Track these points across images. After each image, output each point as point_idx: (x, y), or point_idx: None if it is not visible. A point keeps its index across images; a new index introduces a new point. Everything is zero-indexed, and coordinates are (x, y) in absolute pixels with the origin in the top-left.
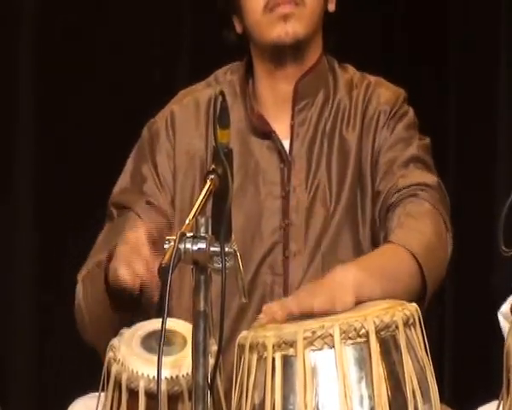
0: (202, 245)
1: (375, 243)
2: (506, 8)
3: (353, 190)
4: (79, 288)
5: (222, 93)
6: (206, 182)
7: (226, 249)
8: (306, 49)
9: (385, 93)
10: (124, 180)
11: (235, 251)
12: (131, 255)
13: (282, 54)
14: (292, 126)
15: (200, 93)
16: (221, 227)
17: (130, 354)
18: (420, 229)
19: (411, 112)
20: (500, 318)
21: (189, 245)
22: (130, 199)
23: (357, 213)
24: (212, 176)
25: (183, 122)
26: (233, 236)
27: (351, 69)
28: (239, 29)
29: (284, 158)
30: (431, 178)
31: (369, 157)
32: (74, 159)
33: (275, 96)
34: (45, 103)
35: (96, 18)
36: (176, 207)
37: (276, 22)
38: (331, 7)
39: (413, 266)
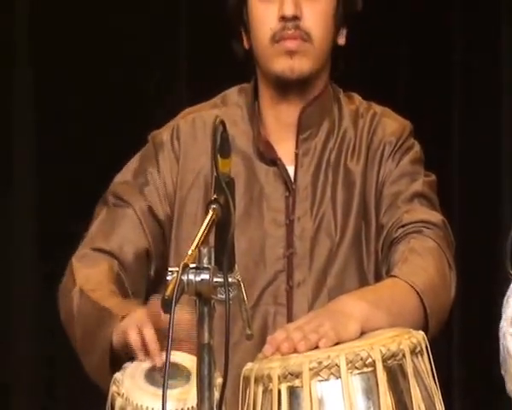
0: (205, 276)
1: (377, 277)
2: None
3: (358, 222)
4: (76, 295)
5: (222, 123)
6: (208, 212)
7: (230, 280)
8: (312, 82)
9: (391, 124)
10: (127, 174)
11: (238, 281)
12: (145, 320)
13: (286, 86)
14: (296, 155)
15: (206, 112)
16: (224, 257)
17: (134, 388)
18: (424, 266)
19: (417, 146)
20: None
21: (192, 276)
22: (131, 195)
23: (362, 245)
24: (214, 206)
25: (188, 138)
26: (236, 266)
27: (356, 98)
28: (246, 45)
29: (289, 187)
30: (436, 217)
31: (374, 189)
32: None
33: (279, 122)
34: (44, 97)
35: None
36: (173, 221)
37: (281, 56)
38: (341, 41)
39: (416, 302)
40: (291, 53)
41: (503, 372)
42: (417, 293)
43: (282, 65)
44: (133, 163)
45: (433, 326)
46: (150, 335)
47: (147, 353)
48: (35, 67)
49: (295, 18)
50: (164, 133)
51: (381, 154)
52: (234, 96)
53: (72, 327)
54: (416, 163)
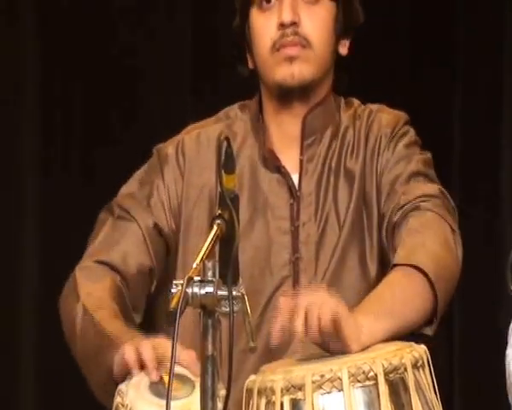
0: (210, 289)
1: (383, 267)
2: None
3: (358, 214)
4: (79, 312)
5: (227, 139)
6: (212, 227)
7: (234, 293)
8: (314, 89)
9: (386, 117)
10: (133, 185)
11: (242, 295)
12: (143, 340)
13: (289, 94)
14: (301, 162)
15: (211, 127)
16: (228, 271)
17: (138, 399)
18: (423, 242)
19: (412, 131)
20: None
21: (196, 289)
22: (137, 210)
23: (364, 238)
24: (219, 221)
25: (193, 152)
26: (240, 279)
27: (355, 102)
28: (251, 65)
29: (294, 194)
30: (432, 188)
31: (374, 181)
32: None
33: (282, 132)
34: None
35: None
36: (180, 237)
37: (281, 63)
38: (343, 51)
39: (420, 280)
40: (291, 59)
41: (510, 399)
42: (419, 270)
43: (283, 72)
44: (139, 174)
45: (442, 295)
46: (147, 351)
47: (141, 367)
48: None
49: (293, 24)
50: (169, 147)
51: (378, 147)
52: (236, 111)
53: (74, 344)
54: (410, 146)
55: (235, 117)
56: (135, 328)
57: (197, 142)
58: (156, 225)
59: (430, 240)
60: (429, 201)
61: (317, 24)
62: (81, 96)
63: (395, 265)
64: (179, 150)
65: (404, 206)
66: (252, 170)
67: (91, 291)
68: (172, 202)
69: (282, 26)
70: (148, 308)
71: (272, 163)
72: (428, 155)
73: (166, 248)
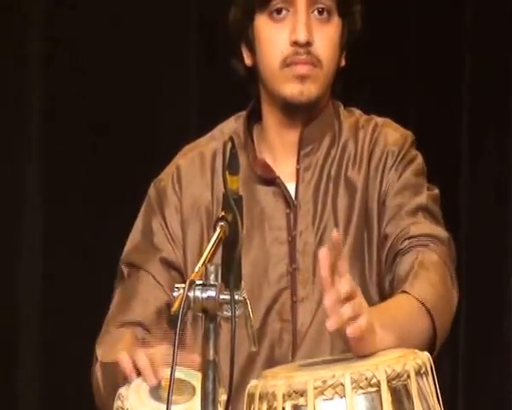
0: (212, 293)
1: (379, 285)
2: None
3: (360, 230)
4: (98, 367)
5: (232, 140)
6: (215, 229)
7: (236, 297)
8: (317, 104)
9: (393, 134)
10: (134, 237)
11: (244, 299)
12: (136, 350)
13: (293, 109)
14: (297, 170)
15: (205, 147)
16: (231, 275)
17: (138, 403)
18: (433, 283)
19: (420, 158)
20: None
21: (198, 293)
22: (143, 258)
23: (364, 254)
24: (222, 223)
25: (188, 175)
26: (243, 283)
27: (357, 111)
28: (249, 62)
29: (290, 203)
30: (442, 233)
31: (377, 198)
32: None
33: (282, 141)
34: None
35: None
36: (187, 260)
37: (291, 80)
38: (343, 62)
39: (426, 321)
40: (302, 78)
41: None
42: (428, 312)
43: (292, 89)
44: (139, 222)
45: (439, 343)
46: (141, 359)
47: (138, 373)
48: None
49: (308, 44)
50: (165, 179)
51: (384, 163)
52: (231, 125)
53: (101, 398)
54: (419, 175)
55: (230, 132)
56: None
57: (192, 165)
58: (164, 260)
59: (439, 284)
60: (437, 245)
61: (327, 43)
62: None
63: (404, 291)
64: (175, 180)
65: (412, 237)
66: (246, 183)
67: (108, 348)
68: (176, 232)
69: (295, 43)
70: None
71: (266, 176)
72: (436, 191)
73: (181, 277)
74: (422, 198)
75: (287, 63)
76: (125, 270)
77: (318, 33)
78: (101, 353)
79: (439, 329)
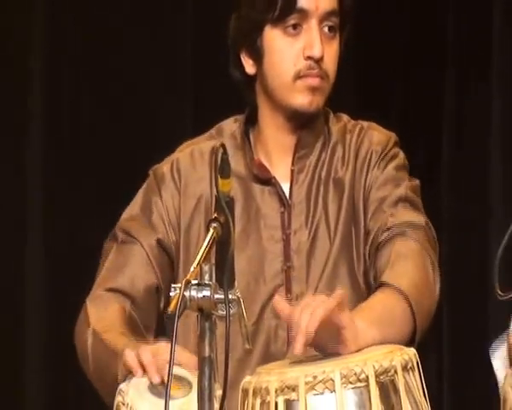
0: (207, 292)
1: (366, 280)
2: None
3: (348, 226)
4: (90, 336)
5: (223, 146)
6: (208, 230)
7: (230, 296)
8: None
9: (377, 135)
10: (133, 209)
11: (238, 298)
12: (142, 347)
13: (297, 117)
14: (292, 172)
15: (204, 144)
16: (224, 275)
17: (138, 398)
18: (408, 269)
19: (402, 154)
20: (496, 362)
21: (194, 293)
22: (139, 230)
23: (352, 249)
24: (215, 224)
25: (188, 168)
26: (236, 283)
27: (345, 117)
28: (250, 70)
29: (284, 202)
30: (419, 218)
31: (362, 194)
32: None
33: (278, 144)
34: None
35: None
36: (180, 248)
37: (303, 91)
38: None
39: (404, 305)
40: (313, 89)
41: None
42: (404, 296)
43: (303, 100)
44: (138, 197)
45: (420, 325)
46: (146, 355)
47: (144, 371)
48: None
49: (321, 59)
50: (164, 166)
51: (368, 162)
52: (230, 126)
53: (87, 367)
54: (400, 170)
55: (227, 133)
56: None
57: (191, 158)
58: (159, 241)
59: (414, 270)
60: (415, 231)
61: (333, 58)
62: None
63: (382, 282)
64: (174, 168)
65: (390, 228)
66: (243, 183)
67: (101, 317)
68: (171, 215)
69: (309, 58)
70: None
71: (262, 176)
72: (417, 181)
73: (171, 262)
74: (402, 190)
75: (300, 76)
76: (120, 235)
77: (327, 48)
78: (95, 319)
79: (417, 313)
